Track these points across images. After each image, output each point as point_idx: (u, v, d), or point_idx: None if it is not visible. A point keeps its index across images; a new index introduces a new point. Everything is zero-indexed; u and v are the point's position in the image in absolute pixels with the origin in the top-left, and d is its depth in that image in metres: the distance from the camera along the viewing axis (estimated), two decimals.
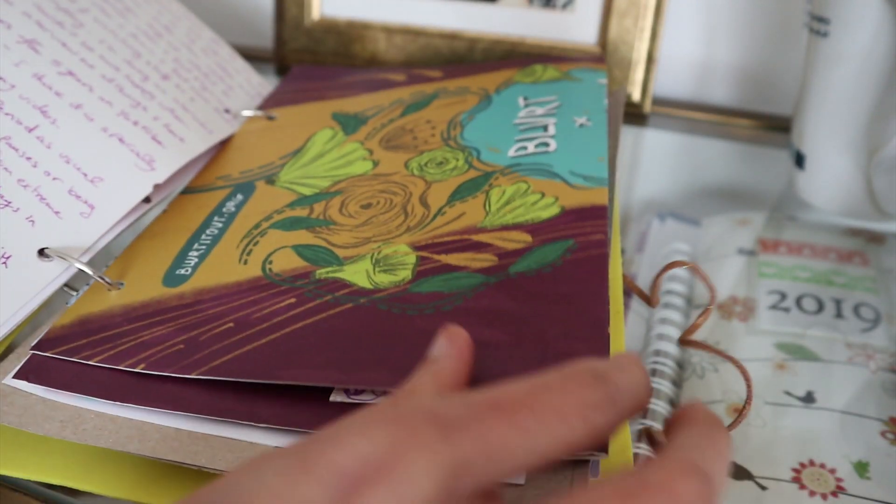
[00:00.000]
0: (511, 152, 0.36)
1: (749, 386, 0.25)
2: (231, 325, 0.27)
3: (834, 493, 0.27)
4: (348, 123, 0.41)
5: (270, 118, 0.43)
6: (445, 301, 0.27)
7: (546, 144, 0.36)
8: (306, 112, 0.43)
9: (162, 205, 0.36)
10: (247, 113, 0.42)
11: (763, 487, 0.28)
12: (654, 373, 0.33)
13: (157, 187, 0.34)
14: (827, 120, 0.41)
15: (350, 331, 0.26)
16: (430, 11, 0.56)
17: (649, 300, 0.30)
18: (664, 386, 0.32)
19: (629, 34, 0.52)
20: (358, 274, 0.29)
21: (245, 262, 0.31)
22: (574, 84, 0.43)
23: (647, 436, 0.24)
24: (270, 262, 0.30)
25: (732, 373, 0.33)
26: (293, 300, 0.28)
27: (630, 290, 0.31)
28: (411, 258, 0.29)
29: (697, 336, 0.35)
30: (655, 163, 0.54)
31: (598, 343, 0.24)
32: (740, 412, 0.25)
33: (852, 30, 0.38)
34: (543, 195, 0.32)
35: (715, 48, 0.56)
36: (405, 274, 0.28)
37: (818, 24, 0.39)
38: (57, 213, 0.31)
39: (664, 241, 0.42)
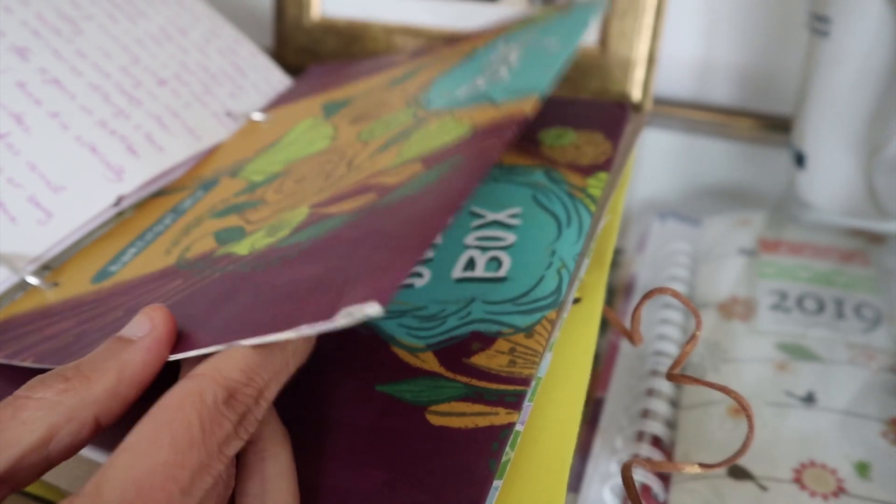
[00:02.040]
0: (460, 91, 0.32)
1: (750, 419, 0.25)
2: (121, 313, 0.26)
3: (835, 494, 0.27)
4: (332, 109, 0.40)
5: (268, 119, 0.42)
6: (294, 250, 0.24)
7: (498, 74, 0.32)
8: (301, 107, 0.43)
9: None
10: (249, 115, 0.42)
11: (764, 488, 0.28)
12: (654, 373, 0.33)
13: (124, 197, 0.34)
14: (828, 119, 0.41)
15: (191, 300, 0.24)
16: (430, 11, 0.56)
17: (632, 338, 0.30)
18: (665, 386, 0.32)
19: (629, 34, 0.52)
20: (245, 245, 0.27)
21: (168, 253, 0.30)
22: (563, 16, 0.37)
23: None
24: (188, 250, 0.29)
25: (733, 373, 0.33)
26: (181, 281, 0.27)
27: (615, 326, 0.30)
28: (300, 217, 0.27)
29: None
30: (656, 163, 0.54)
31: (373, 291, 0.17)
32: (740, 448, 0.24)
33: (853, 29, 0.38)
34: (461, 122, 0.28)
35: (715, 48, 0.56)
36: (283, 233, 0.26)
37: (819, 24, 0.39)
38: (13, 219, 0.31)
39: (665, 240, 0.42)
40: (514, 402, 0.23)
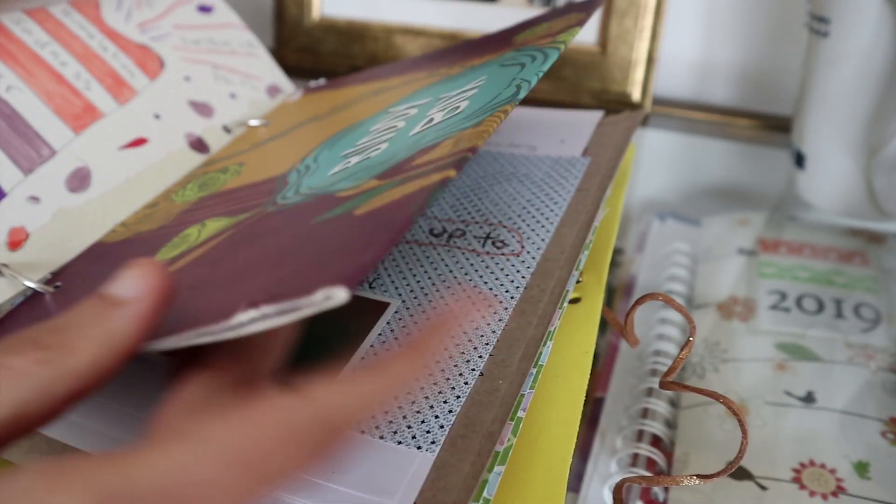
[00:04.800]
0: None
1: (744, 430, 0.25)
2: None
3: (834, 494, 0.27)
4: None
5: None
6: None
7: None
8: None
9: None
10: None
11: (763, 487, 0.28)
12: (654, 373, 0.33)
13: None
14: (827, 120, 0.41)
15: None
16: (430, 11, 0.56)
17: (630, 338, 0.30)
18: None
19: (629, 34, 0.52)
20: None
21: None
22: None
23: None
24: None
25: (733, 373, 0.33)
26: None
27: (613, 327, 0.30)
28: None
29: (700, 333, 0.35)
30: (655, 163, 0.54)
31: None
32: (732, 461, 0.24)
33: (852, 30, 0.38)
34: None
35: (715, 48, 0.56)
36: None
37: (818, 24, 0.39)
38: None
39: (664, 240, 0.42)
40: (451, 164, 0.21)
